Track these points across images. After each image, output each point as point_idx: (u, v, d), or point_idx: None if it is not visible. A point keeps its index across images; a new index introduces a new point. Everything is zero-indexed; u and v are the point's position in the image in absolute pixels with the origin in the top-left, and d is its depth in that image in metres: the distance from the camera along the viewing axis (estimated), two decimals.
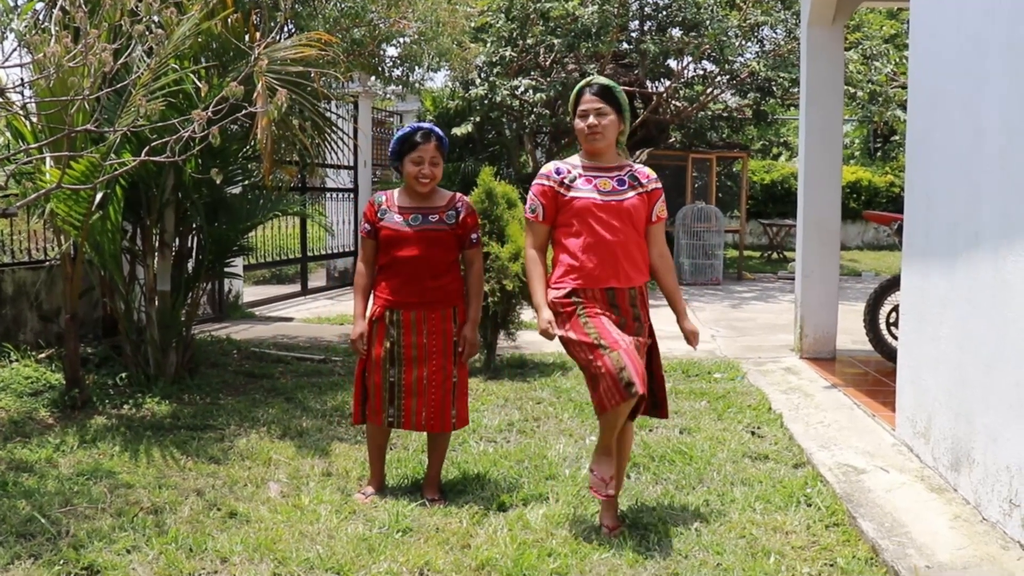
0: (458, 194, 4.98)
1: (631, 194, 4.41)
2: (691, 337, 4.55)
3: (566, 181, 4.42)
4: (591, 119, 4.36)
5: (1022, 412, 4.06)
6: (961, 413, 4.71)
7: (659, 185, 4.52)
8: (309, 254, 14.13)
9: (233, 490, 5.00)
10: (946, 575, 3.76)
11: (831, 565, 4.06)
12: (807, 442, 5.73)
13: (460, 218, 4.85)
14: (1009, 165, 4.27)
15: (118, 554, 4.14)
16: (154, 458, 5.50)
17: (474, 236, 4.92)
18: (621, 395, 4.09)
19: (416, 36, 9.32)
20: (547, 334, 4.41)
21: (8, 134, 6.78)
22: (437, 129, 4.87)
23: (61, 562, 4.02)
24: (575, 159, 4.53)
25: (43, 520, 4.45)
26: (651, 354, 4.52)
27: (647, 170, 4.54)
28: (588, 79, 4.55)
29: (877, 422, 6.15)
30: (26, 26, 5.61)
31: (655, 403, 4.55)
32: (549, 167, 4.52)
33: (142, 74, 5.58)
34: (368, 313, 4.91)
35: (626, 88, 15.90)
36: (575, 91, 4.51)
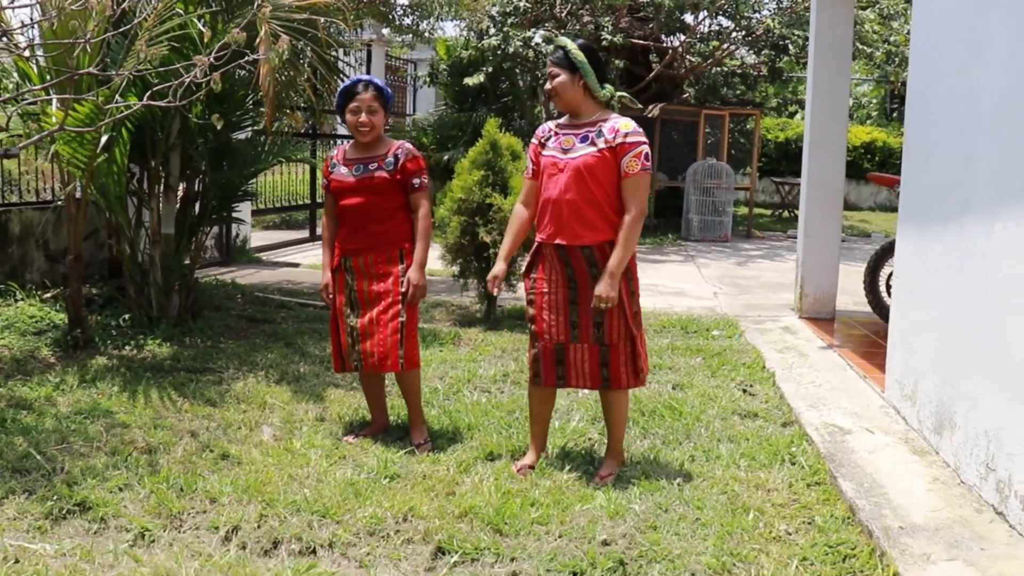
0: (401, 142, 5.05)
1: (587, 151, 4.41)
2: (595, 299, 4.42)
3: (543, 140, 4.62)
4: (546, 83, 4.57)
5: (1001, 379, 4.10)
6: (946, 378, 4.75)
7: (627, 140, 4.38)
8: (318, 200, 14.16)
9: (227, 432, 5.10)
10: (918, 536, 3.82)
11: (808, 523, 4.13)
12: (797, 401, 5.78)
13: (399, 164, 4.94)
14: (1002, 130, 4.27)
15: (110, 491, 4.24)
16: (152, 399, 5.59)
17: (416, 181, 4.97)
18: (530, 380, 4.71)
19: None
20: (488, 284, 4.86)
21: (15, 75, 6.82)
22: (377, 79, 5.04)
23: (54, 498, 4.12)
24: (564, 118, 4.64)
25: (39, 457, 4.56)
26: (611, 317, 4.49)
27: (621, 124, 4.43)
28: (556, 40, 4.67)
29: (868, 384, 6.20)
30: None
31: (605, 376, 4.55)
32: (540, 127, 4.69)
33: (147, 18, 5.59)
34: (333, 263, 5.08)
35: (640, 42, 15.80)
36: None
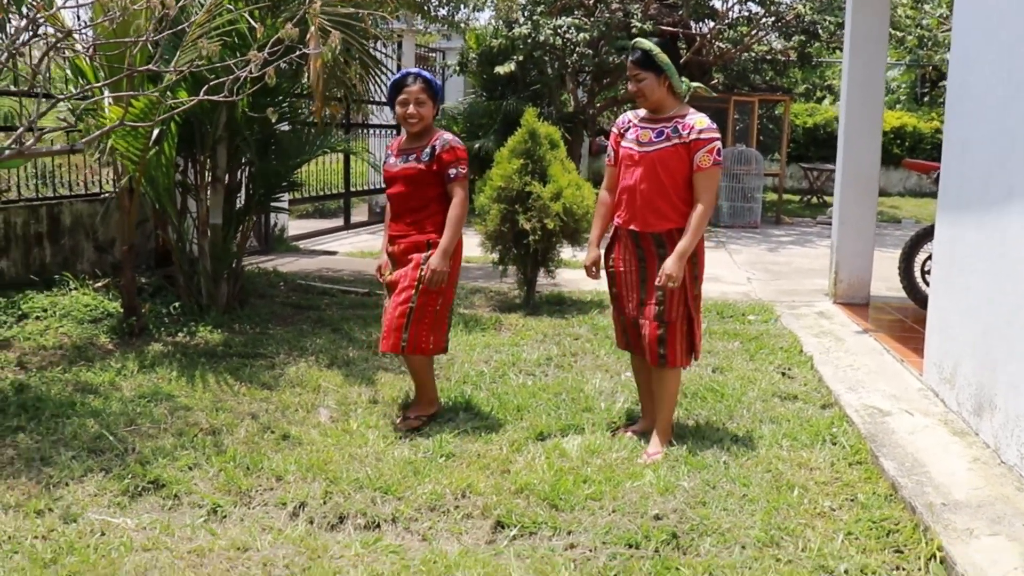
0: (442, 132, 5.20)
1: (662, 145, 4.71)
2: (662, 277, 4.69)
3: (622, 131, 4.92)
4: (630, 85, 4.84)
5: None
6: (986, 361, 4.88)
7: (702, 136, 4.67)
8: (352, 189, 14.37)
9: (285, 414, 5.29)
10: (961, 512, 3.97)
11: (852, 500, 4.28)
12: (835, 384, 5.92)
13: (435, 155, 5.09)
14: None
15: (181, 470, 4.45)
16: (209, 383, 5.79)
17: (451, 171, 5.10)
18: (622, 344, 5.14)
19: None
20: (588, 270, 5.07)
21: (68, 72, 7.01)
22: (425, 72, 5.20)
23: (129, 476, 4.34)
24: (641, 111, 4.91)
25: (111, 437, 4.77)
26: (672, 298, 4.74)
27: (695, 120, 4.71)
28: (633, 43, 4.86)
29: (905, 367, 6.33)
30: None
31: (662, 354, 4.79)
32: (620, 118, 5.02)
33: (200, 16, 5.76)
34: None
35: (669, 28, 15.87)
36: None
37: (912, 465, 4.50)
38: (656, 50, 4.72)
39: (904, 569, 3.66)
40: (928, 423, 5.16)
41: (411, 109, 5.06)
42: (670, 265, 4.62)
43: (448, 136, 5.18)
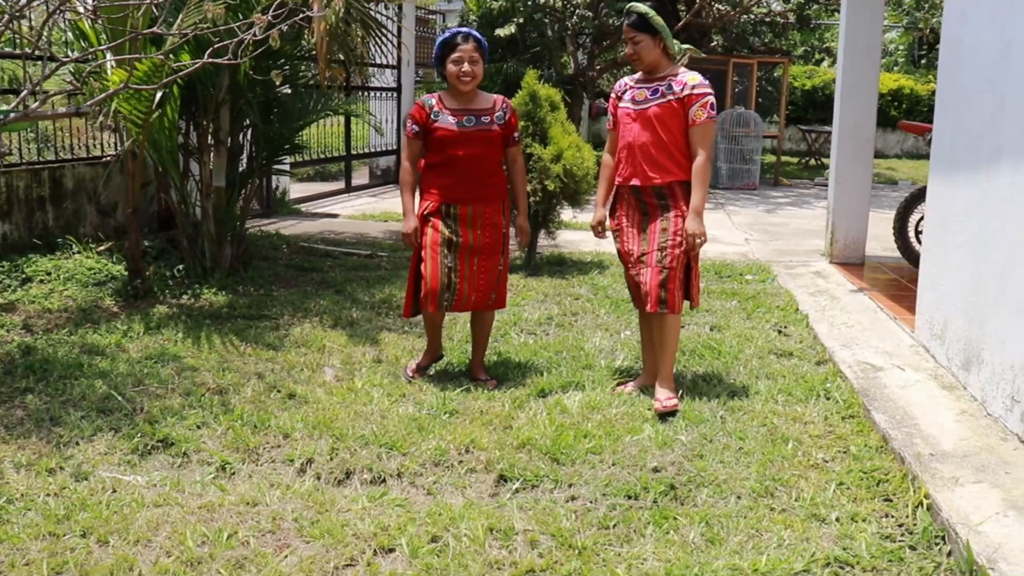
0: (501, 96, 5.34)
1: (657, 101, 4.90)
2: (688, 238, 4.89)
3: (619, 94, 5.09)
4: (628, 48, 4.97)
5: None
6: (975, 317, 4.98)
7: (695, 91, 4.87)
8: (352, 152, 14.42)
9: (291, 374, 5.40)
10: (947, 461, 4.09)
11: (844, 452, 4.40)
12: (830, 341, 6.03)
13: (507, 119, 5.24)
14: None
15: (189, 429, 4.55)
16: (215, 344, 5.89)
17: (516, 135, 5.34)
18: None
19: None
20: (594, 230, 5.27)
21: (70, 35, 7.06)
22: (476, 32, 5.23)
23: (139, 435, 4.44)
24: (637, 74, 5.09)
25: (119, 398, 4.87)
26: (674, 246, 4.91)
27: (688, 77, 4.92)
28: (628, 7, 5.00)
29: (898, 324, 6.44)
30: None
31: (663, 299, 4.92)
32: (617, 83, 5.19)
33: None
34: (420, 208, 5.22)
35: None
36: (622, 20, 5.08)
37: (902, 418, 4.62)
38: (651, 13, 4.89)
39: (892, 516, 3.78)
40: (919, 378, 5.28)
41: (466, 67, 5.08)
42: (692, 224, 4.84)
43: (508, 100, 5.36)
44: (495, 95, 5.32)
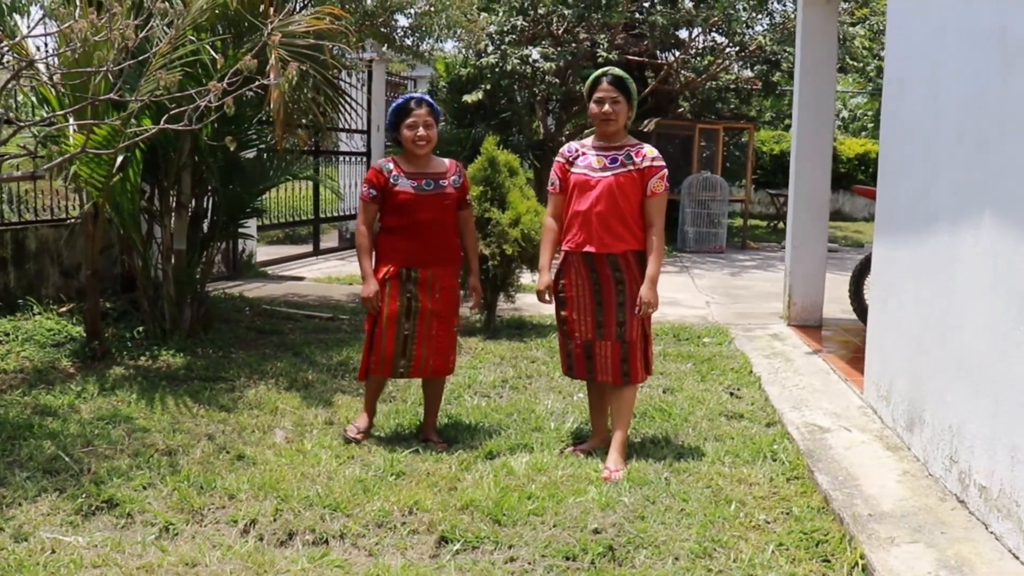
0: (453, 160, 5.45)
1: (617, 171, 4.96)
2: (642, 306, 4.96)
3: (571, 159, 5.10)
4: (606, 106, 4.97)
5: (963, 377, 4.41)
6: (917, 378, 5.06)
7: (654, 164, 4.98)
8: (321, 216, 14.50)
9: (241, 435, 5.40)
10: (885, 522, 4.13)
11: (786, 513, 4.43)
12: (781, 403, 6.09)
13: (461, 182, 5.35)
14: (959, 147, 4.60)
15: (135, 490, 4.54)
16: (169, 406, 5.89)
17: (468, 198, 5.47)
18: (564, 371, 5.33)
19: (426, 7, 9.62)
20: (541, 296, 5.20)
21: (34, 99, 7.14)
22: (428, 97, 5.35)
23: (83, 495, 4.42)
24: (589, 140, 5.15)
25: (67, 458, 4.86)
26: (632, 318, 4.97)
27: (647, 150, 5.02)
28: (605, 69, 5.12)
29: (849, 386, 6.51)
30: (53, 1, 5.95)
31: (625, 371, 5.02)
32: (564, 147, 5.21)
33: (162, 46, 5.91)
34: (376, 272, 5.27)
35: (636, 58, 16.15)
36: (591, 79, 5.07)
37: (845, 479, 4.67)
38: (629, 79, 5.03)
39: None
40: (865, 439, 5.34)
41: (421, 132, 5.17)
42: (647, 293, 4.90)
43: (456, 161, 5.46)
44: (447, 159, 5.43)
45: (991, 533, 3.98)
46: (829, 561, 3.95)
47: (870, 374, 5.98)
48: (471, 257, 5.50)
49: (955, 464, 4.41)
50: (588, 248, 4.96)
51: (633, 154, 4.97)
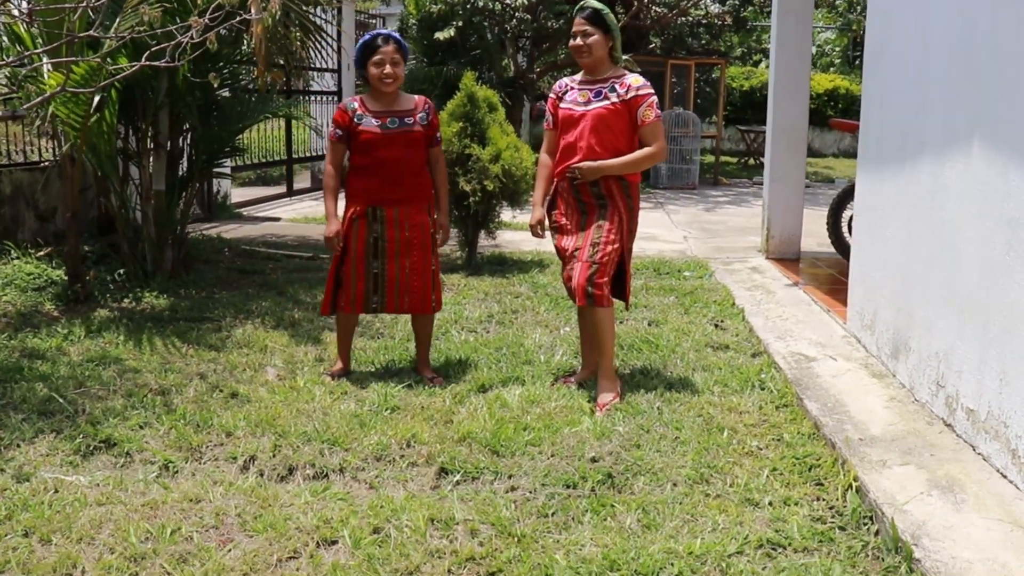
0: (423, 97, 5.41)
1: (601, 103, 4.95)
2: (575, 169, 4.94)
3: (560, 94, 5.13)
4: (578, 40, 4.96)
5: (951, 304, 4.49)
6: (903, 307, 5.14)
7: (640, 92, 4.95)
8: (294, 156, 14.38)
9: (233, 374, 5.42)
10: (876, 446, 4.23)
11: (778, 439, 4.52)
12: (765, 334, 6.17)
13: (429, 119, 5.30)
14: (951, 76, 4.63)
15: (132, 429, 4.56)
16: (157, 346, 5.89)
17: (438, 135, 5.41)
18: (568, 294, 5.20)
19: None
20: (534, 230, 5.22)
21: (5, 39, 7.00)
22: (395, 34, 5.30)
23: (81, 436, 4.44)
24: (579, 75, 5.13)
25: (61, 400, 4.86)
26: (607, 242, 4.94)
27: (631, 79, 5.00)
28: (583, 3, 5.03)
29: (831, 316, 6.60)
30: None
31: (590, 293, 4.96)
32: (557, 83, 5.22)
33: None
34: (345, 212, 5.27)
35: None
36: (573, 14, 5.06)
37: (833, 406, 4.76)
38: (606, 10, 4.97)
39: (823, 499, 3.90)
40: (850, 367, 5.43)
41: (387, 69, 5.12)
42: (587, 164, 4.89)
43: (426, 98, 5.39)
44: (417, 96, 5.39)
45: (979, 454, 4.08)
46: (822, 484, 4.03)
47: (853, 304, 6.06)
48: (441, 195, 5.41)
49: (942, 389, 4.50)
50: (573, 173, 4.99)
51: (617, 85, 4.96)
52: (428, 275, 5.30)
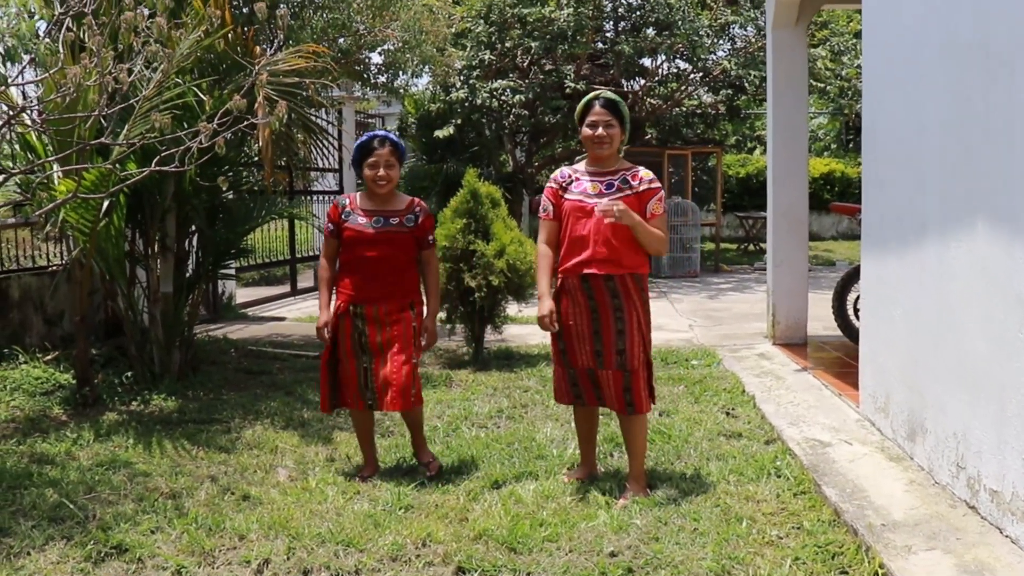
0: (417, 199, 5.43)
1: (615, 195, 4.88)
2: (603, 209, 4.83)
3: (564, 184, 5.02)
4: (600, 130, 4.89)
5: (963, 384, 4.48)
6: (914, 387, 5.13)
7: (652, 186, 4.94)
8: (298, 256, 14.47)
9: (244, 476, 5.37)
10: (899, 531, 4.17)
11: (798, 528, 4.46)
12: (777, 420, 6.14)
13: (419, 221, 5.31)
14: (947, 158, 4.69)
15: (143, 534, 4.50)
16: (167, 449, 5.85)
17: (431, 238, 5.39)
18: (568, 399, 5.19)
19: (400, 44, 9.69)
20: (543, 323, 4.99)
21: (17, 147, 7.10)
22: (392, 136, 5.35)
23: (92, 542, 4.37)
24: (581, 165, 5.08)
25: (71, 505, 4.81)
26: (632, 345, 4.90)
27: (643, 173, 4.98)
28: (597, 92, 5.06)
29: (843, 400, 6.58)
30: (44, 48, 5.95)
31: (629, 401, 4.96)
32: (557, 172, 5.12)
33: (149, 89, 5.92)
34: (333, 306, 5.33)
35: (602, 87, 16.29)
36: (584, 102, 5.01)
37: (853, 491, 4.72)
38: (622, 102, 4.96)
39: None
40: (866, 451, 5.39)
41: (381, 171, 5.17)
42: (619, 205, 4.74)
43: (423, 203, 5.41)
44: (412, 198, 5.42)
45: (1007, 537, 4.03)
46: (847, 572, 3.97)
47: (865, 387, 6.04)
48: (431, 297, 5.42)
49: (962, 470, 4.46)
50: (587, 270, 4.86)
51: (629, 178, 4.92)
52: (408, 371, 5.20)
